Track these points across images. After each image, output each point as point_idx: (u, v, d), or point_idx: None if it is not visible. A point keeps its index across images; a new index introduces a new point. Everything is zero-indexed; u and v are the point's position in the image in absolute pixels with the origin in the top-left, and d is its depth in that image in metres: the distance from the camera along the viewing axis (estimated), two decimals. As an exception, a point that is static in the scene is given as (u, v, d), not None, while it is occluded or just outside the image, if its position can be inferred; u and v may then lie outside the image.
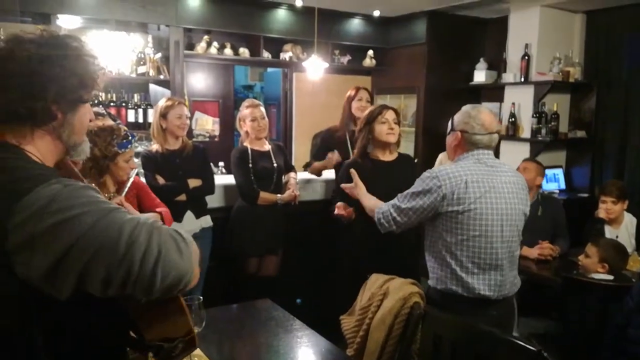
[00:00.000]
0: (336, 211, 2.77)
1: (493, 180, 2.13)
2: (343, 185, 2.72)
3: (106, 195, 2.32)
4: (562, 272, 3.07)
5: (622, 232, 3.59)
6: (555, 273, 3.16)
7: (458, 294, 2.14)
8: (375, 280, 2.30)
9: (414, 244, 2.96)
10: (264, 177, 3.45)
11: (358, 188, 2.59)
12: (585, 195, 5.03)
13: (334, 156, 3.64)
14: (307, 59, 4.74)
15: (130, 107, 4.74)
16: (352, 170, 2.68)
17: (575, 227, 3.77)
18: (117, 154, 2.37)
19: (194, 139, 5.54)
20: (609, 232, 3.56)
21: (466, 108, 2.25)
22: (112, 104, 4.70)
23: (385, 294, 2.18)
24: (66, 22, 4.54)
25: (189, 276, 1.06)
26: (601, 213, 3.58)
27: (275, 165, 3.50)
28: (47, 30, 1.22)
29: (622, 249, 2.99)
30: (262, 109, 3.52)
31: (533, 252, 3.45)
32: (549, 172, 5.13)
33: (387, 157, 2.96)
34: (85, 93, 1.21)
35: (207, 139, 5.49)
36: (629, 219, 3.65)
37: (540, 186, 3.80)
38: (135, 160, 3.28)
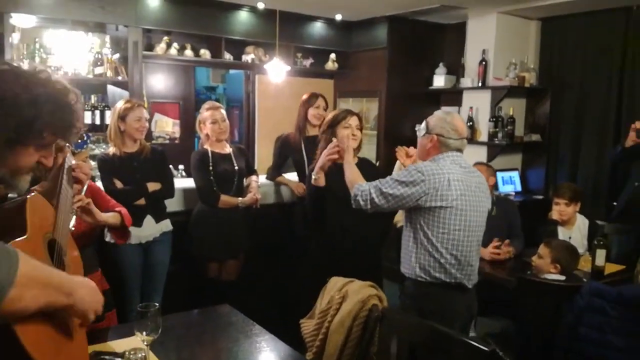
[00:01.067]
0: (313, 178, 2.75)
1: (468, 180, 2.32)
2: (333, 143, 2.69)
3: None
4: (516, 272, 3.15)
5: (574, 233, 3.70)
6: (510, 273, 3.24)
7: (441, 281, 2.30)
8: (335, 284, 2.31)
9: (379, 244, 3.00)
10: (224, 180, 3.42)
11: (347, 153, 2.63)
12: (540, 197, 5.19)
13: (299, 188, 3.68)
14: (269, 61, 4.73)
15: (87, 108, 4.62)
16: (342, 135, 2.73)
17: (530, 229, 3.87)
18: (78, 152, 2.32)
19: (154, 141, 5.45)
20: (562, 233, 3.67)
21: (440, 114, 2.44)
22: (68, 105, 4.57)
23: (344, 297, 2.20)
24: (21, 21, 4.41)
25: None
26: (554, 215, 3.69)
27: (236, 168, 3.48)
28: (34, 70, 1.29)
29: (574, 250, 3.09)
30: (223, 111, 3.50)
31: (487, 253, 3.52)
32: (505, 174, 5.28)
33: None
34: (26, 137, 1.24)
35: (167, 141, 5.40)
36: (581, 221, 3.77)
37: (493, 186, 3.90)
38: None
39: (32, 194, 1.42)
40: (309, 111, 3.77)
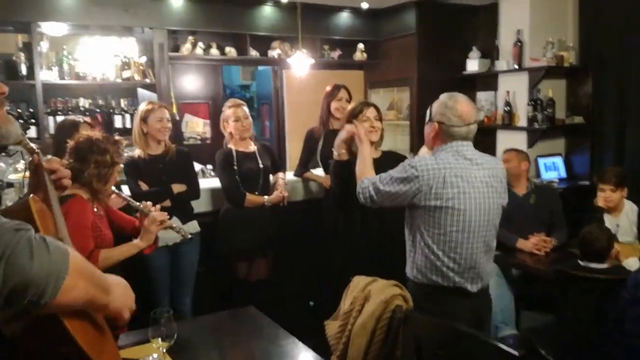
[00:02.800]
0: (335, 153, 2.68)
1: (471, 175, 2.10)
2: (349, 128, 2.61)
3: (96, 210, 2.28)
4: (558, 264, 2.97)
5: (622, 220, 3.47)
6: (551, 265, 3.06)
7: (438, 284, 2.15)
8: (358, 283, 2.21)
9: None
10: (250, 178, 3.37)
11: (362, 144, 2.49)
12: (586, 182, 4.91)
13: (327, 181, 3.60)
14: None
15: (117, 112, 4.68)
16: (352, 125, 2.60)
17: (577, 216, 3.65)
18: (118, 163, 2.34)
19: (185, 142, 5.48)
20: (609, 221, 3.44)
21: (443, 98, 2.19)
22: (97, 110, 4.63)
23: (367, 298, 2.10)
24: (50, 30, 4.49)
25: (40, 287, 0.96)
26: (600, 201, 3.47)
27: (261, 166, 3.42)
28: None
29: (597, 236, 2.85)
30: (245, 108, 3.44)
31: (528, 245, 3.35)
32: (547, 160, 5.03)
33: (371, 154, 2.86)
34: None
35: (199, 142, 5.42)
36: (629, 207, 3.53)
37: (527, 171, 3.70)
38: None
39: (30, 196, 1.40)
40: (332, 104, 3.69)
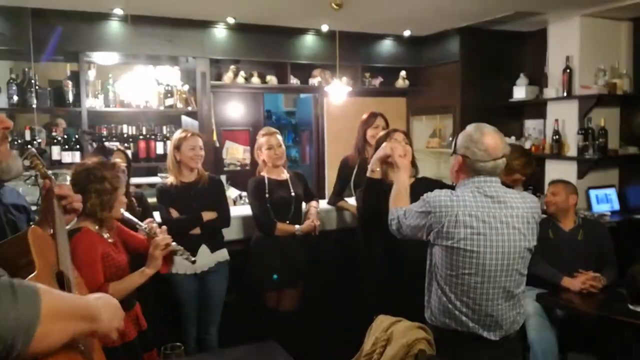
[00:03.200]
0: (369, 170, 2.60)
1: (489, 214, 1.95)
2: (387, 146, 2.52)
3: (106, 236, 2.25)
4: (606, 305, 2.74)
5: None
6: (598, 307, 2.83)
7: (451, 329, 2.03)
8: (381, 323, 2.09)
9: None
10: (281, 207, 3.32)
11: (400, 170, 2.38)
12: (642, 216, 4.60)
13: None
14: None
15: (158, 139, 4.77)
16: (391, 144, 2.50)
17: (630, 253, 3.41)
18: (119, 187, 2.30)
19: (225, 168, 5.53)
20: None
21: (469, 129, 2.04)
22: (140, 136, 4.74)
23: (389, 340, 1.98)
24: (97, 59, 4.66)
25: (7, 342, 0.91)
26: None
27: (292, 194, 3.36)
28: None
29: None
30: (279, 136, 3.41)
31: (575, 284, 3.13)
32: (599, 192, 4.76)
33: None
34: None
35: (239, 168, 5.45)
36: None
37: (575, 205, 3.48)
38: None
39: (31, 226, 1.40)
40: (368, 131, 3.62)
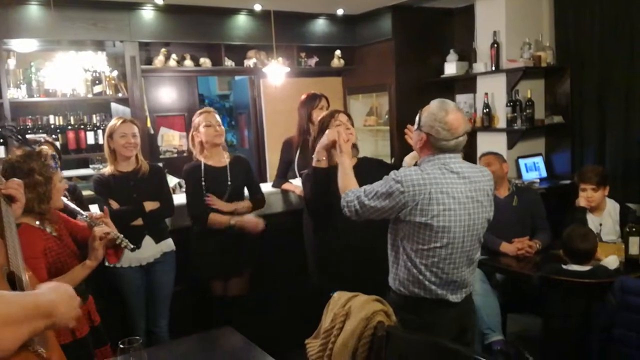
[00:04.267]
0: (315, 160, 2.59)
1: (457, 190, 2.04)
2: (331, 134, 2.51)
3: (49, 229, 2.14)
4: (543, 267, 2.91)
5: (605, 219, 3.44)
6: (536, 268, 3.00)
7: (420, 297, 2.11)
8: (338, 299, 2.12)
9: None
10: (217, 196, 3.18)
11: (341, 152, 2.40)
12: (568, 182, 4.88)
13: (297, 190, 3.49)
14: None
15: (89, 129, 4.55)
16: (334, 131, 2.50)
17: (559, 217, 3.61)
18: (53, 174, 2.18)
19: (162, 156, 5.37)
20: (592, 220, 3.41)
21: (434, 107, 2.08)
22: (69, 127, 4.51)
23: (348, 314, 2.01)
24: (17, 46, 4.37)
25: None
26: (581, 201, 3.43)
27: (229, 183, 3.20)
28: None
29: (585, 234, 2.80)
30: (217, 116, 3.29)
31: (512, 249, 3.31)
32: (528, 161, 5.00)
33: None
34: None
35: (176, 155, 5.30)
36: (611, 205, 3.50)
37: (507, 173, 3.66)
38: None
39: None
40: (313, 113, 3.57)
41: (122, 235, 2.32)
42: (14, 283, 1.31)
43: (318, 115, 3.48)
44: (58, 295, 1.17)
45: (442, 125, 2.03)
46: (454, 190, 2.03)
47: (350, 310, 2.03)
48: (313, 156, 2.63)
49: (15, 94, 4.23)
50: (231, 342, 2.23)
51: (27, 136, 3.80)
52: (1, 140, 4.09)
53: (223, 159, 3.25)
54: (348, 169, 2.35)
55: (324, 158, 2.59)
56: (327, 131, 2.61)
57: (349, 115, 2.78)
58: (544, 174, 5.03)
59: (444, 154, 2.07)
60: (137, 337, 1.72)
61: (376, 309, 1.99)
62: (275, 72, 4.41)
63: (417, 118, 2.16)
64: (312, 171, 2.65)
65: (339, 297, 2.16)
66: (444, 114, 2.04)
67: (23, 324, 1.02)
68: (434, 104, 2.11)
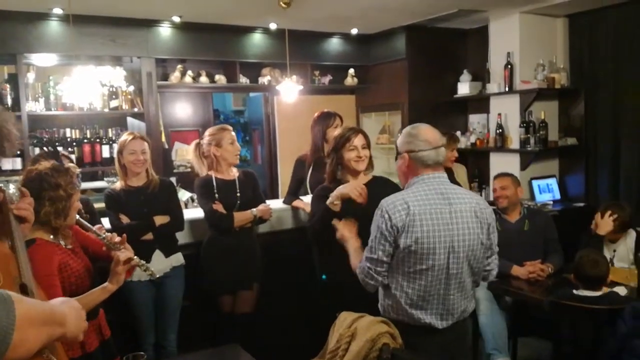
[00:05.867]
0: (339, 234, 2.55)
1: (444, 211, 2.01)
2: (349, 191, 2.58)
3: (63, 242, 2.15)
4: (554, 291, 2.87)
5: (620, 246, 3.38)
6: (546, 293, 2.96)
7: (404, 323, 2.07)
8: (344, 320, 2.11)
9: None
10: (228, 208, 3.22)
11: (348, 242, 2.37)
12: (581, 204, 4.84)
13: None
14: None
15: (104, 142, 4.62)
16: (336, 223, 2.49)
17: (572, 239, 3.57)
18: (75, 192, 2.20)
19: (175, 170, 5.42)
20: (607, 246, 3.36)
21: (406, 130, 2.16)
22: (85, 140, 4.58)
23: (354, 335, 2.00)
24: (36, 60, 4.47)
25: None
26: (600, 230, 3.33)
27: (238, 194, 3.26)
28: None
29: (595, 262, 2.76)
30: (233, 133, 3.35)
31: (523, 272, 3.27)
32: (541, 182, 4.97)
33: (360, 180, 2.80)
34: None
35: (189, 170, 5.33)
36: (630, 234, 3.42)
37: (520, 198, 3.63)
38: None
39: None
40: (329, 131, 3.57)
41: (144, 262, 2.35)
42: (26, 295, 1.33)
43: (333, 134, 3.50)
44: (68, 308, 1.22)
45: (418, 138, 2.06)
46: (438, 212, 2.00)
47: (356, 331, 2.01)
48: (330, 198, 2.64)
49: (34, 107, 4.32)
50: (237, 359, 2.23)
51: (44, 149, 3.86)
52: (19, 152, 4.16)
53: (232, 172, 3.31)
54: (354, 249, 2.34)
55: (338, 202, 2.62)
56: (346, 186, 2.63)
57: (366, 136, 2.76)
58: (558, 196, 4.99)
59: (428, 173, 2.06)
60: (142, 353, 1.74)
61: (382, 330, 1.98)
62: (289, 90, 4.44)
63: (395, 149, 2.21)
64: (324, 209, 2.67)
65: (344, 318, 2.15)
66: (416, 130, 2.11)
67: (43, 327, 1.07)
68: (405, 128, 2.18)
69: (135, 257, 2.26)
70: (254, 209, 3.26)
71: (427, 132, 2.09)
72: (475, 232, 2.05)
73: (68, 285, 2.06)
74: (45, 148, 3.58)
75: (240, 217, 3.23)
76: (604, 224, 3.25)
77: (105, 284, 2.13)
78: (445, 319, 2.08)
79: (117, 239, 2.26)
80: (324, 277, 3.18)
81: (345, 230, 2.42)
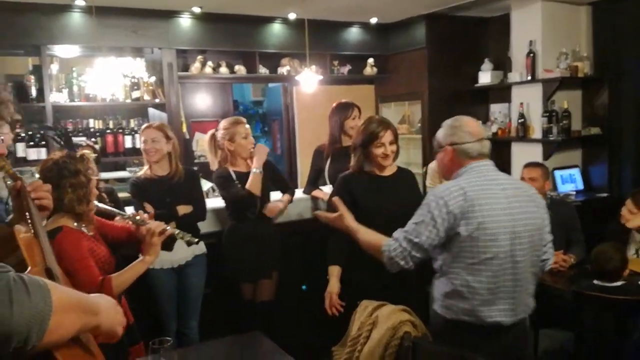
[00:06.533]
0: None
1: (497, 195, 1.93)
2: (335, 201, 2.35)
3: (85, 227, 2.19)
4: (576, 282, 2.85)
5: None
6: (568, 283, 2.94)
7: (467, 322, 1.94)
8: (365, 308, 2.14)
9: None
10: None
11: (345, 219, 2.21)
12: (605, 195, 4.78)
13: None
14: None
15: (127, 132, 4.68)
16: (335, 199, 2.33)
17: (595, 229, 3.53)
18: (92, 179, 2.24)
19: (196, 161, 5.47)
20: (635, 235, 3.31)
21: (447, 123, 2.09)
22: (108, 131, 4.64)
23: (375, 323, 2.03)
24: (60, 52, 4.53)
25: (23, 335, 0.93)
26: (630, 223, 3.28)
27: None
28: None
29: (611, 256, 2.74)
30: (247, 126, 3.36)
31: (545, 263, 3.23)
32: (564, 172, 4.91)
33: (385, 172, 2.80)
34: None
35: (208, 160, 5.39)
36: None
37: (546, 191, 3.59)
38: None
39: (15, 226, 1.39)
40: (347, 122, 3.56)
41: (179, 230, 2.38)
42: (52, 279, 1.36)
43: (352, 124, 3.50)
44: (102, 300, 1.25)
45: (460, 130, 2.02)
46: (494, 195, 1.92)
47: (377, 320, 2.04)
48: (333, 199, 2.44)
49: (58, 98, 4.39)
50: (260, 347, 2.26)
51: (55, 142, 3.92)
52: (44, 142, 4.24)
53: (248, 164, 3.30)
54: (367, 233, 2.17)
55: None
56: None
57: (393, 129, 2.72)
58: (580, 186, 4.93)
59: (476, 161, 2.00)
60: (168, 338, 1.78)
61: (403, 319, 2.00)
62: (308, 80, 4.45)
63: (435, 143, 2.13)
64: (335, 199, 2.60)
65: (365, 307, 2.17)
66: (459, 122, 2.06)
67: (78, 313, 1.09)
68: (446, 121, 2.10)
69: (168, 227, 2.29)
70: (282, 201, 3.38)
71: (470, 124, 2.05)
72: (534, 215, 1.98)
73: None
74: (56, 138, 3.60)
75: (272, 207, 3.32)
76: (636, 218, 3.20)
77: (143, 256, 2.17)
78: (511, 316, 1.94)
79: (145, 215, 2.30)
80: (304, 287, 3.20)
81: (349, 221, 2.23)
